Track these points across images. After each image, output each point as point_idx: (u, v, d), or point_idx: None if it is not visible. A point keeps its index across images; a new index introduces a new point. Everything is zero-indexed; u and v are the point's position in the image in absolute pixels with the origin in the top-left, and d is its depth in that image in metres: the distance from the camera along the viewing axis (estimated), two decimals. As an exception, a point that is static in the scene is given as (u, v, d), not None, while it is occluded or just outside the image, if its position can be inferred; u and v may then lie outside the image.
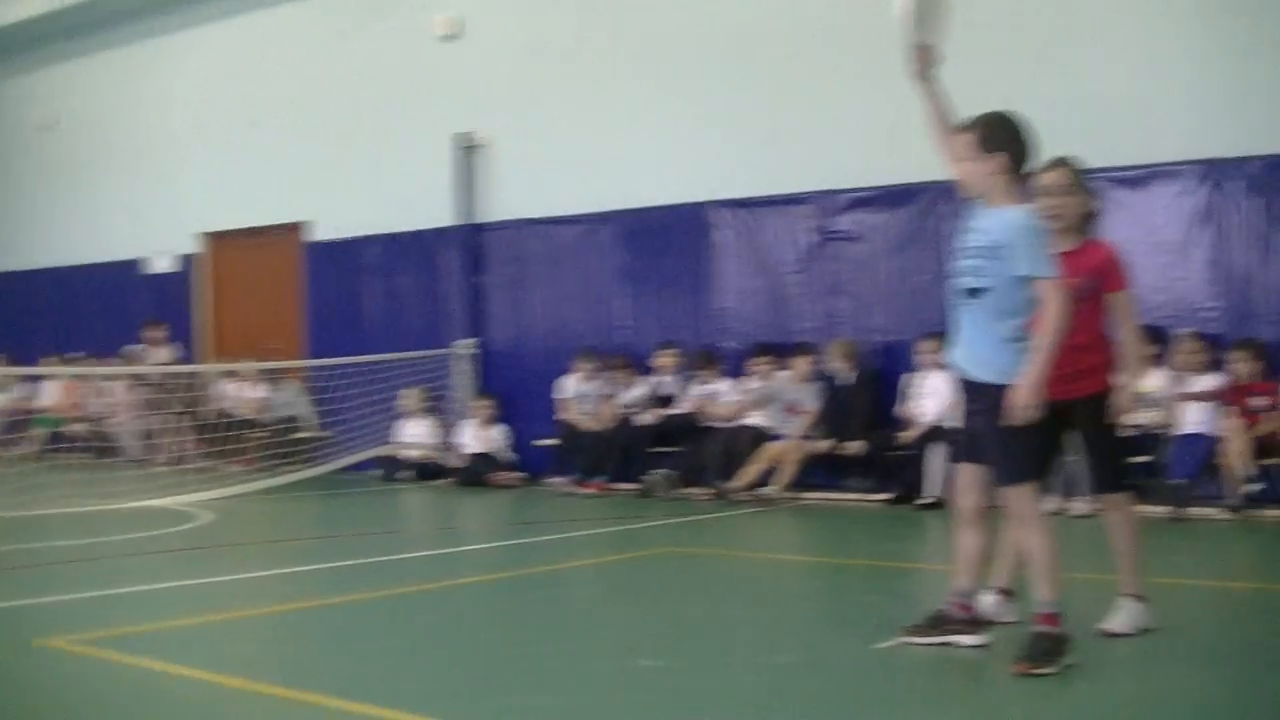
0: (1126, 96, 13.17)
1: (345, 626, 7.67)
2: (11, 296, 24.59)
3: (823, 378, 14.44)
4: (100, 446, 19.91)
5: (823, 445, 14.08)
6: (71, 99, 23.73)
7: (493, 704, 5.63)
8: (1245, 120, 12.66)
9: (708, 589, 9.17)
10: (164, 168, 21.80)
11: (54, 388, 21.72)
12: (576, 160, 16.85)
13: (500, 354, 17.55)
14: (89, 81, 23.37)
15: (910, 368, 13.97)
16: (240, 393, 19.22)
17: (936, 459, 13.15)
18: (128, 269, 22.28)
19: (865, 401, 14.16)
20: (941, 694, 5.96)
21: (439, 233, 18.04)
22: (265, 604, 8.44)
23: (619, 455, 15.30)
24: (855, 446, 13.94)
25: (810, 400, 14.32)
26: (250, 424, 18.27)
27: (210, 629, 7.46)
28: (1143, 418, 11.76)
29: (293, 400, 18.82)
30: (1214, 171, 12.84)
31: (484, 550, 11.66)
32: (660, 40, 16.30)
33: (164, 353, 20.14)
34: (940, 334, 13.10)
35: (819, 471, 14.34)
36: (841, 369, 14.27)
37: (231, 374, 19.33)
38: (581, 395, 15.96)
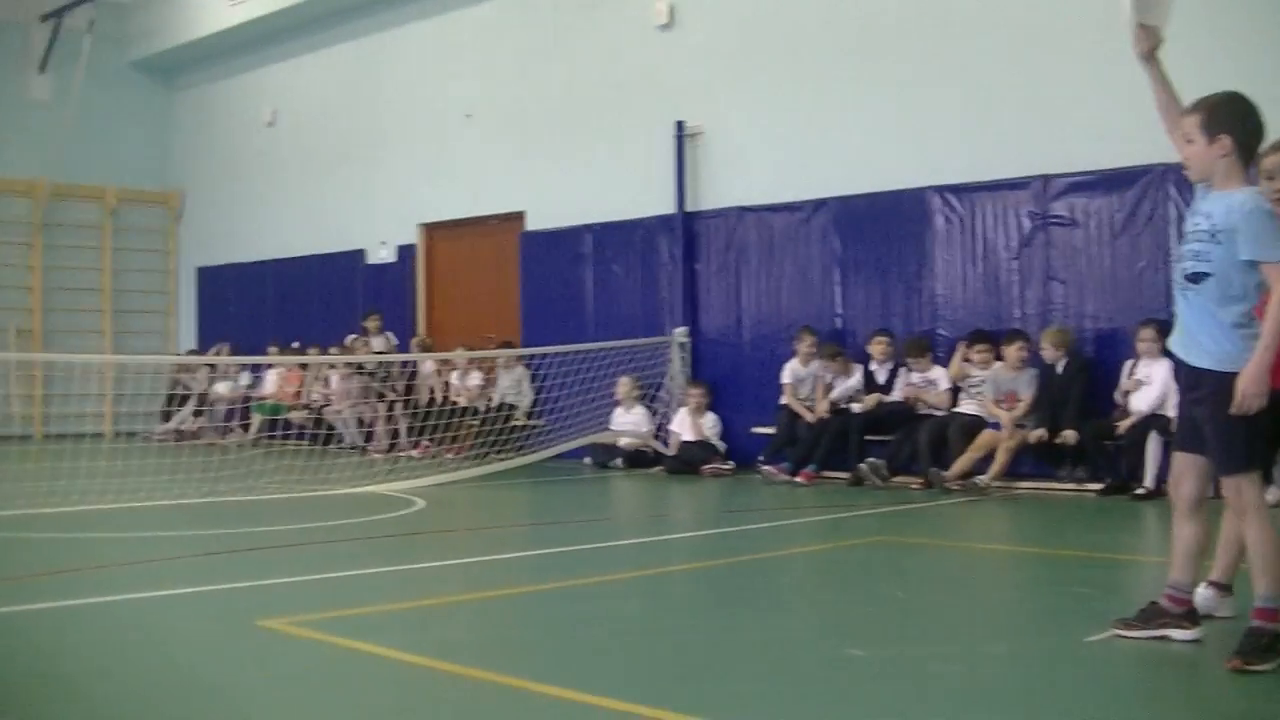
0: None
1: (554, 612, 7.74)
2: (238, 288, 25.28)
3: (1037, 365, 14.21)
4: (319, 434, 20.33)
5: (1035, 434, 13.87)
6: (292, 95, 24.34)
7: (698, 691, 5.65)
8: None
9: (918, 578, 9.10)
10: (383, 161, 22.26)
11: (275, 376, 22.27)
12: (791, 147, 16.82)
13: (713, 342, 17.57)
14: (310, 78, 23.97)
15: (1126, 355, 13.71)
16: (456, 380, 19.49)
17: (1154, 448, 12.90)
18: (350, 259, 22.75)
19: (1079, 389, 13.90)
20: (1154, 689, 5.85)
21: (654, 221, 18.11)
22: (477, 589, 8.56)
23: (831, 444, 15.20)
24: (1069, 435, 13.69)
25: (1024, 388, 14.11)
26: (466, 411, 18.52)
27: (423, 613, 7.59)
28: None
29: (512, 388, 18.99)
30: None
31: (694, 538, 11.69)
32: (876, 25, 16.16)
33: (380, 341, 20.50)
34: (1158, 321, 12.90)
35: (1032, 461, 14.13)
36: (1054, 356, 14.04)
37: (447, 362, 19.60)
38: (801, 380, 15.88)
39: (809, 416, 15.52)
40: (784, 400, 15.94)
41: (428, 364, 19.87)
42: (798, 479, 15.04)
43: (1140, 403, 13.31)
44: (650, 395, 17.61)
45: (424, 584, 8.74)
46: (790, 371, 16.02)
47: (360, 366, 20.26)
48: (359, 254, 22.73)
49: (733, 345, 17.34)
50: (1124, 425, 13.31)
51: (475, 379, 19.39)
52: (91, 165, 25.66)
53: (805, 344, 15.90)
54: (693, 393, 16.93)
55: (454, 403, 19.04)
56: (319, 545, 10.49)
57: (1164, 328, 9.87)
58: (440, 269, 21.74)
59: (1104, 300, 14.27)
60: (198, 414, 23.40)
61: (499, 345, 19.45)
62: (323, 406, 21.06)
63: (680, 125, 17.73)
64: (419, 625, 7.25)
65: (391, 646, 6.40)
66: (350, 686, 5.79)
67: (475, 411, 18.56)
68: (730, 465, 16.30)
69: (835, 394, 15.54)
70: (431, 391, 19.82)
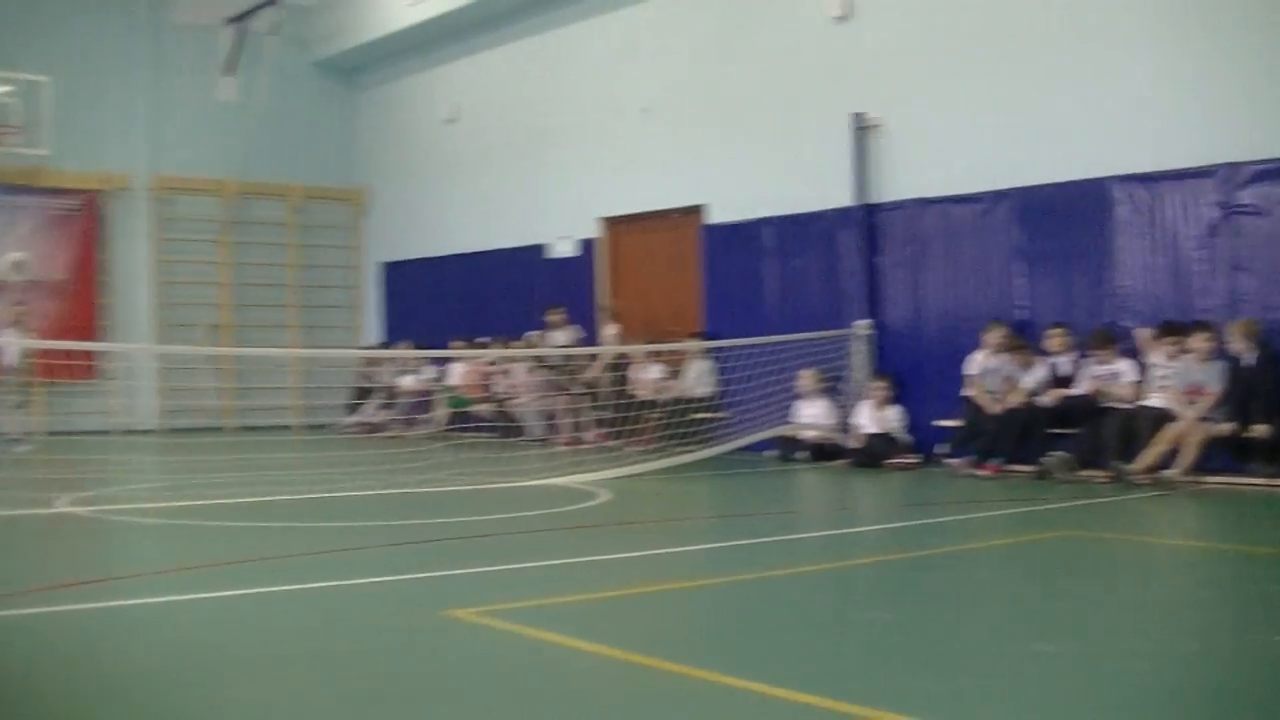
0: None
1: (738, 605, 7.82)
2: (421, 283, 25.66)
3: (1224, 357, 13.91)
4: (504, 426, 20.54)
5: (1225, 428, 13.58)
6: (473, 92, 24.61)
7: (883, 685, 5.70)
8: None
9: (1106, 573, 9.04)
10: (562, 155, 22.44)
11: (460, 370, 22.52)
12: (972, 138, 16.68)
13: (896, 334, 17.49)
14: (489, 75, 24.23)
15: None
16: (639, 374, 19.57)
17: None
18: (531, 254, 22.95)
19: (1270, 383, 13.60)
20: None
21: (835, 213, 18.04)
22: (661, 581, 8.63)
23: (1017, 437, 15.02)
24: (1261, 430, 13.41)
25: (1213, 381, 13.83)
26: (649, 404, 18.59)
27: (608, 605, 7.70)
28: None
29: (695, 381, 19.02)
30: None
31: (879, 531, 11.71)
32: (1056, 13, 15.95)
33: (563, 335, 20.63)
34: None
35: (1222, 455, 13.85)
36: (1243, 348, 13.74)
37: (629, 356, 19.68)
38: (987, 372, 15.75)
39: (994, 409, 15.35)
40: (969, 392, 15.78)
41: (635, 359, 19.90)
42: (983, 472, 14.89)
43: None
44: (833, 388, 17.54)
45: (608, 576, 8.84)
46: (976, 364, 15.86)
47: (543, 360, 20.42)
48: (539, 249, 22.91)
49: (915, 338, 17.26)
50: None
51: (655, 371, 19.45)
52: (278, 164, 26.24)
53: (995, 336, 15.74)
54: (876, 385, 16.85)
55: (634, 396, 19.11)
56: (503, 536, 10.65)
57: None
58: (621, 263, 21.84)
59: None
60: (383, 407, 23.74)
61: (684, 338, 19.48)
62: (507, 399, 21.27)
63: (858, 117, 17.64)
64: (603, 616, 7.34)
65: (576, 637, 6.50)
66: (533, 677, 5.91)
67: (654, 404, 18.61)
68: (915, 458, 16.17)
69: (1026, 384, 15.33)
70: (624, 384, 19.86)
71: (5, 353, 18.96)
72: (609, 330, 20.76)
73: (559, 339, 20.81)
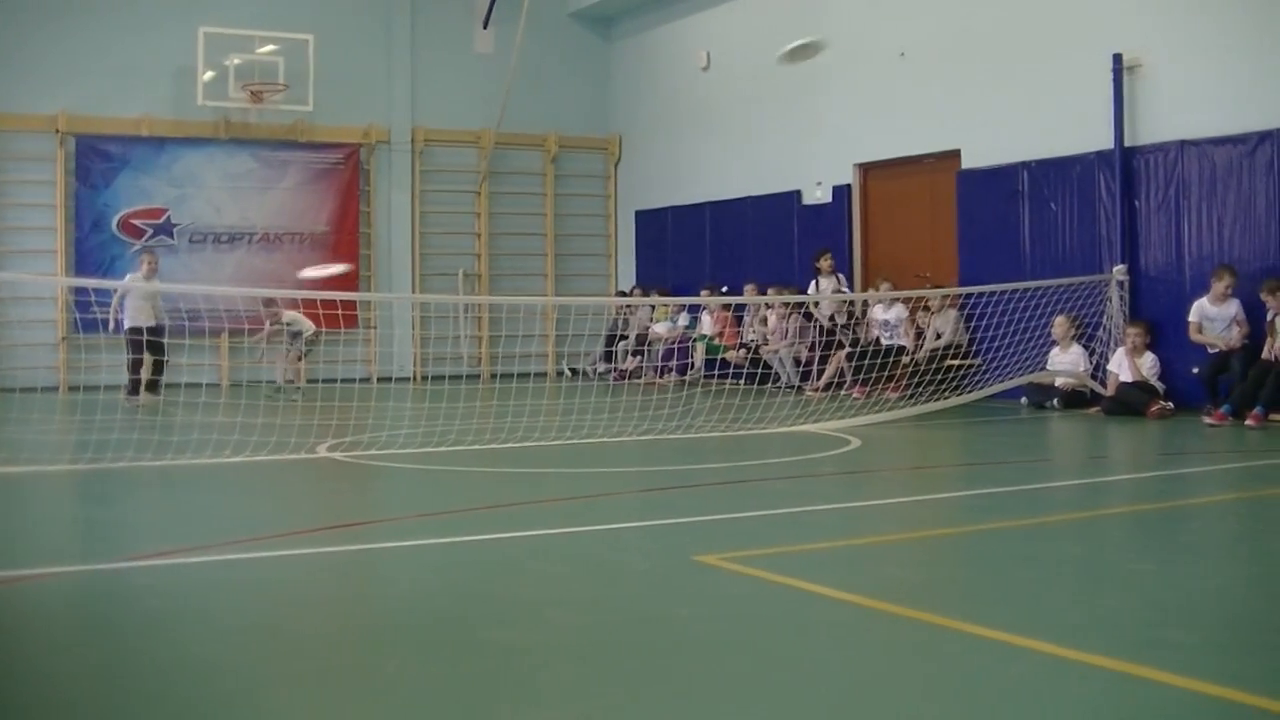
0: None
1: (986, 553, 7.81)
2: (674, 230, 25.80)
3: None
4: (758, 373, 20.61)
5: None
6: (725, 39, 24.66)
7: (1135, 637, 5.67)
8: None
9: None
10: (816, 102, 22.39)
11: (713, 316, 22.67)
12: (1233, 77, 16.22)
13: (1154, 280, 17.13)
14: (742, 21, 24.22)
15: None
16: (890, 319, 19.53)
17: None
18: (786, 201, 22.93)
19: None
20: None
21: (1091, 157, 17.73)
22: (912, 529, 8.68)
23: (1274, 385, 14.64)
24: None
25: None
26: (900, 351, 18.54)
27: (858, 551, 7.77)
28: None
29: (949, 328, 18.89)
30: None
31: (1132, 480, 11.49)
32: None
33: (829, 282, 20.59)
34: None
35: None
36: None
37: (881, 301, 19.63)
38: (1209, 319, 15.48)
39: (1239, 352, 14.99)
40: (1197, 338, 15.56)
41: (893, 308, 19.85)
42: (1247, 422, 14.55)
43: None
44: (1087, 335, 17.29)
45: (859, 523, 8.91)
46: (1197, 310, 15.61)
47: (798, 306, 20.46)
48: (794, 195, 22.89)
49: (1173, 284, 16.87)
50: None
51: (895, 313, 19.40)
52: (534, 114, 26.54)
53: (1223, 283, 15.40)
54: (1131, 332, 16.54)
55: (881, 344, 19.09)
56: (755, 483, 10.75)
57: None
58: (875, 209, 21.75)
59: None
60: (636, 353, 23.99)
61: (933, 285, 19.37)
62: (760, 346, 21.36)
63: (1117, 58, 17.29)
64: (852, 564, 7.41)
65: (824, 584, 6.57)
66: (784, 623, 6.01)
67: (903, 350, 18.57)
68: (1170, 406, 15.86)
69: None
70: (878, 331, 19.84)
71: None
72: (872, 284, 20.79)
73: (826, 285, 20.79)
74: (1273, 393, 14.60)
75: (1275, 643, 5.58)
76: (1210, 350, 15.57)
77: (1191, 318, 15.78)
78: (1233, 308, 15.46)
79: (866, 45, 21.46)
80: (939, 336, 18.85)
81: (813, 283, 20.96)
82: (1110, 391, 16.37)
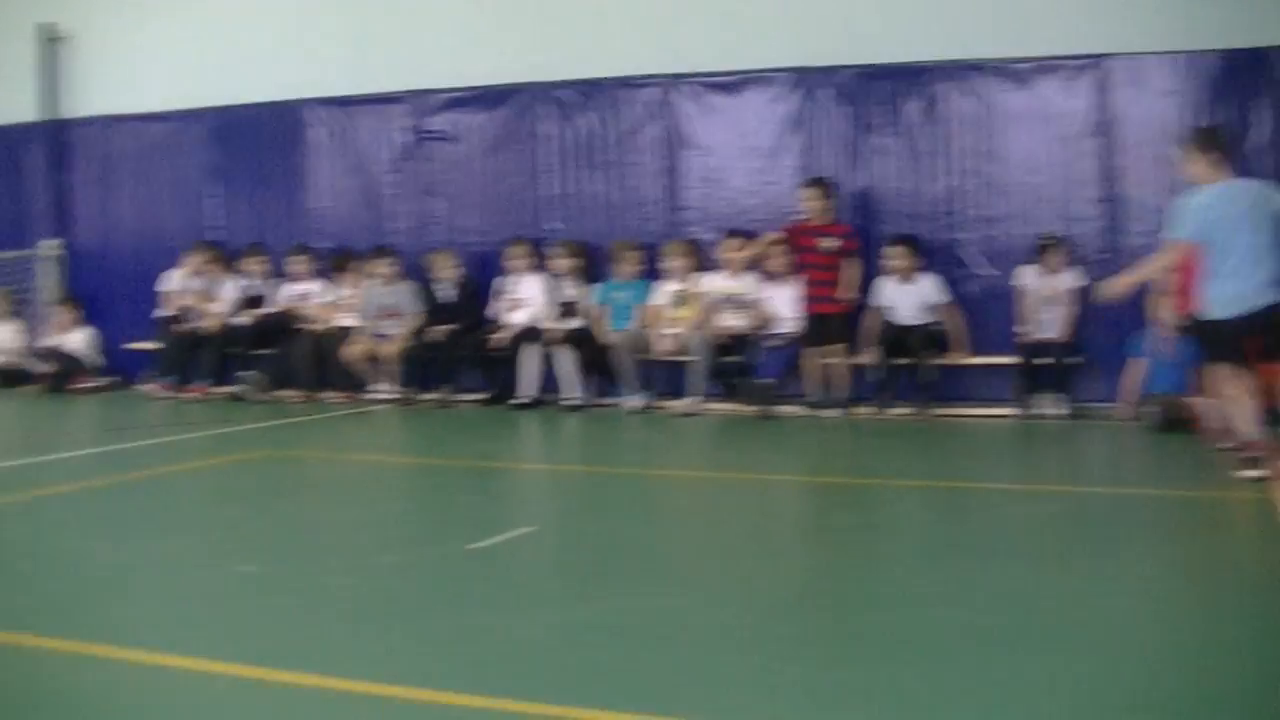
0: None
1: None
2: None
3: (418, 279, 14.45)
4: None
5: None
6: None
7: (81, 617, 5.62)
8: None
9: (309, 491, 9.37)
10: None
11: None
12: (169, 55, 16.39)
13: (87, 255, 16.98)
14: None
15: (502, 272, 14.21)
16: None
17: (530, 361, 13.37)
18: None
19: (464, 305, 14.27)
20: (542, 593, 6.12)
21: (22, 129, 17.28)
22: None
23: (216, 358, 15.05)
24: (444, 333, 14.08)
25: (406, 303, 14.30)
26: None
27: None
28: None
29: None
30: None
31: (78, 458, 11.17)
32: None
33: None
34: (530, 239, 13.52)
35: (423, 373, 14.31)
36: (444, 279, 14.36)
37: None
38: (183, 292, 15.63)
39: (191, 326, 15.25)
40: (164, 312, 15.70)
41: None
42: (187, 394, 14.86)
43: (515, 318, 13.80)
44: (22, 310, 16.85)
45: None
46: (172, 281, 15.77)
47: None
48: None
49: (107, 258, 16.64)
50: (500, 339, 13.73)
51: None
52: None
53: (194, 256, 15.64)
54: (63, 307, 16.39)
55: None
56: None
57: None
58: None
59: (484, 216, 14.68)
60: None
61: None
62: None
63: (44, 28, 16.95)
64: None
65: None
66: None
67: None
68: (105, 380, 15.93)
69: (222, 305, 15.30)
70: None
71: None
72: None
73: None
74: (212, 365, 15.02)
75: (222, 607, 5.72)
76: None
77: (165, 288, 15.76)
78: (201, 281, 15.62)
79: None
80: None
81: None
82: (47, 367, 15.99)
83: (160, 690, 4.71)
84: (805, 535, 7.72)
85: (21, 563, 6.82)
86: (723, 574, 6.48)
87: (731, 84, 13.84)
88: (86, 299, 16.54)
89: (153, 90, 16.42)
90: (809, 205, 12.90)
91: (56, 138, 17.05)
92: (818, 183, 12.95)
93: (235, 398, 14.56)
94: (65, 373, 15.88)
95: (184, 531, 7.79)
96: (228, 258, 15.70)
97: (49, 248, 16.94)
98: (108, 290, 16.56)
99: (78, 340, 16.18)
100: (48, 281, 16.96)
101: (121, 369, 16.15)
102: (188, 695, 4.61)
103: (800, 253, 12.93)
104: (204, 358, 15.07)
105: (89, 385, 15.70)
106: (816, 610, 5.74)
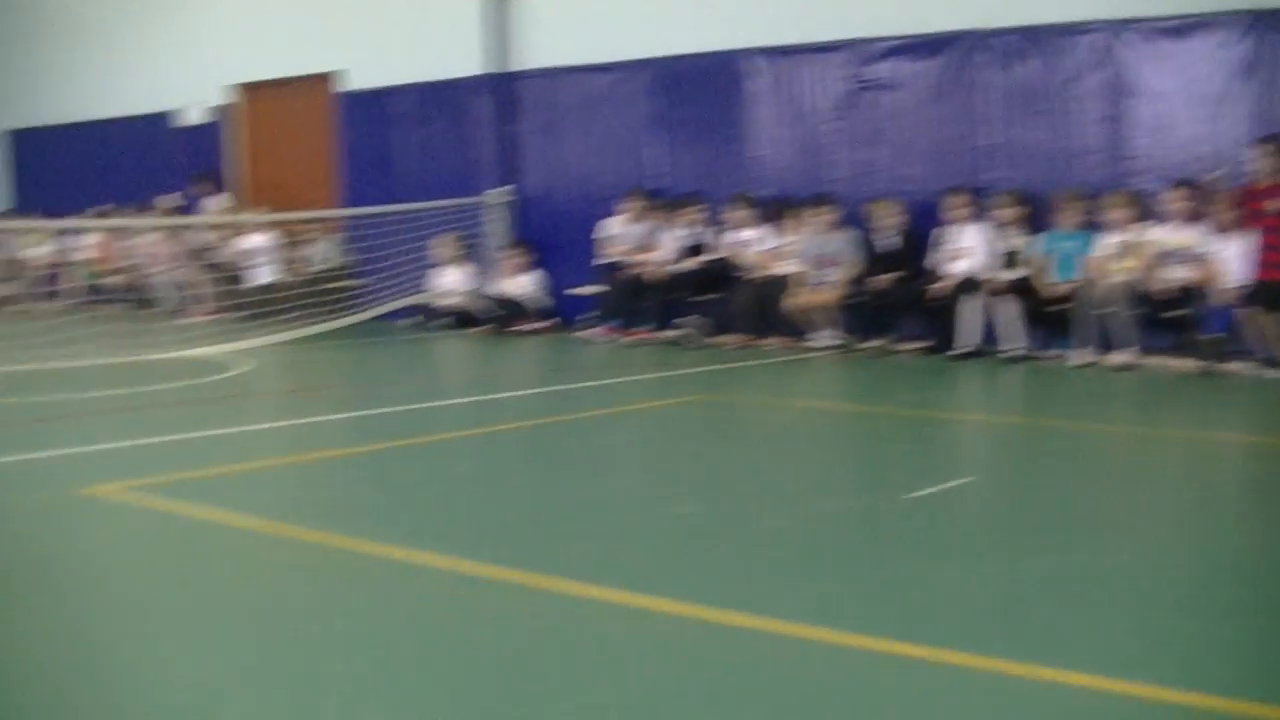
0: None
1: (386, 472, 7.78)
2: (37, 153, 24.40)
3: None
4: (137, 298, 19.96)
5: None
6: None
7: (526, 549, 5.74)
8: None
9: (745, 436, 9.40)
10: (188, 18, 21.43)
11: (92, 240, 21.69)
12: (612, 7, 16.81)
13: (534, 202, 17.55)
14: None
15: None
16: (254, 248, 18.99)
17: (970, 311, 13.21)
18: (157, 122, 22.05)
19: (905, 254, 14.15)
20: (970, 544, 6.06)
21: (470, 82, 17.92)
22: (306, 450, 8.53)
23: (660, 303, 15.35)
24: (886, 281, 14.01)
25: (845, 251, 14.30)
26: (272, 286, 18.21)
27: (252, 476, 7.58)
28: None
29: (326, 252, 18.76)
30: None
31: (524, 397, 11.55)
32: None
33: (215, 203, 20.07)
34: (970, 188, 13.31)
35: (863, 321, 14.29)
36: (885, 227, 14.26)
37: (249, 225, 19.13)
38: (623, 237, 15.98)
39: (632, 271, 15.60)
40: (605, 258, 16.06)
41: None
42: (627, 338, 15.28)
43: (954, 267, 13.62)
44: (472, 255, 17.48)
45: (244, 447, 8.69)
46: (612, 228, 16.15)
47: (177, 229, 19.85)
48: (167, 116, 21.98)
49: (553, 206, 17.31)
50: (939, 288, 13.59)
51: (258, 241, 18.97)
52: None
53: (631, 203, 16.00)
54: (512, 252, 17.03)
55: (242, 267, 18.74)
56: (141, 410, 10.34)
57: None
58: (256, 131, 21.18)
59: (924, 165, 14.56)
60: (7, 280, 22.75)
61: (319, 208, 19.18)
62: (140, 270, 20.56)
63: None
64: (249, 488, 7.23)
65: (222, 509, 6.40)
66: (183, 551, 5.77)
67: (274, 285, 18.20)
68: (548, 323, 16.49)
69: (663, 252, 15.60)
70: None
71: None
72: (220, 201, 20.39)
73: (210, 207, 20.25)
74: (653, 311, 15.30)
75: (660, 546, 5.83)
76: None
77: (604, 234, 16.19)
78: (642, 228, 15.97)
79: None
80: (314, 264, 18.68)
81: (197, 206, 20.46)
82: (495, 310, 16.63)
83: (590, 621, 4.75)
84: (1258, 499, 7.35)
85: (463, 495, 7.07)
86: (1167, 534, 6.24)
87: (1178, 29, 13.35)
88: (532, 245, 17.06)
89: (596, 42, 16.78)
90: (1260, 165, 12.33)
91: (504, 89, 17.59)
92: (1270, 139, 12.36)
93: (674, 343, 14.80)
94: (510, 315, 16.42)
95: (622, 472, 7.94)
96: (667, 205, 15.94)
97: (498, 195, 17.50)
98: (552, 236, 17.08)
99: (525, 284, 16.70)
100: (496, 228, 17.54)
101: (561, 313, 16.61)
102: (622, 631, 4.61)
103: (1250, 216, 12.36)
104: (647, 303, 15.36)
105: (531, 328, 16.21)
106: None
